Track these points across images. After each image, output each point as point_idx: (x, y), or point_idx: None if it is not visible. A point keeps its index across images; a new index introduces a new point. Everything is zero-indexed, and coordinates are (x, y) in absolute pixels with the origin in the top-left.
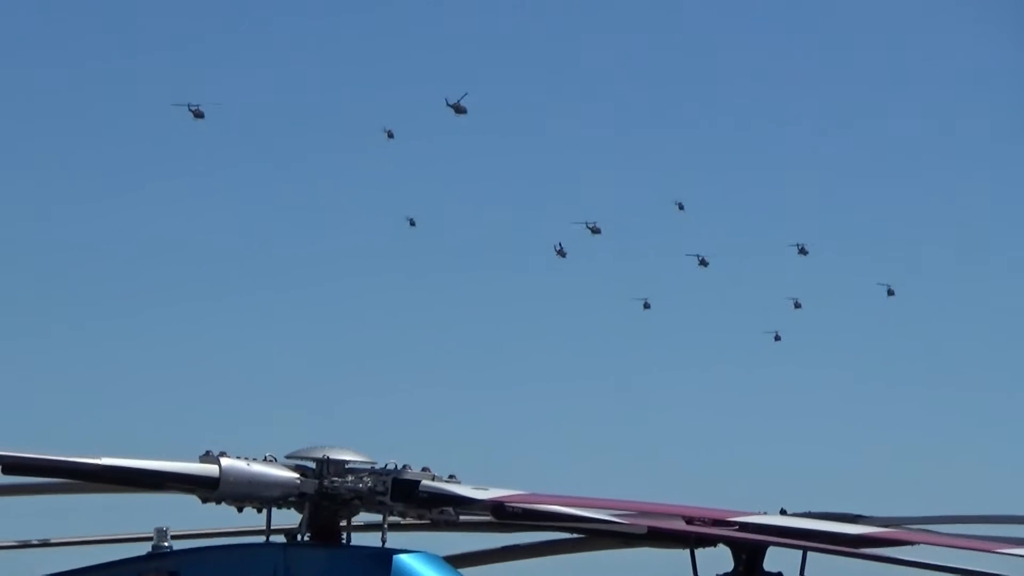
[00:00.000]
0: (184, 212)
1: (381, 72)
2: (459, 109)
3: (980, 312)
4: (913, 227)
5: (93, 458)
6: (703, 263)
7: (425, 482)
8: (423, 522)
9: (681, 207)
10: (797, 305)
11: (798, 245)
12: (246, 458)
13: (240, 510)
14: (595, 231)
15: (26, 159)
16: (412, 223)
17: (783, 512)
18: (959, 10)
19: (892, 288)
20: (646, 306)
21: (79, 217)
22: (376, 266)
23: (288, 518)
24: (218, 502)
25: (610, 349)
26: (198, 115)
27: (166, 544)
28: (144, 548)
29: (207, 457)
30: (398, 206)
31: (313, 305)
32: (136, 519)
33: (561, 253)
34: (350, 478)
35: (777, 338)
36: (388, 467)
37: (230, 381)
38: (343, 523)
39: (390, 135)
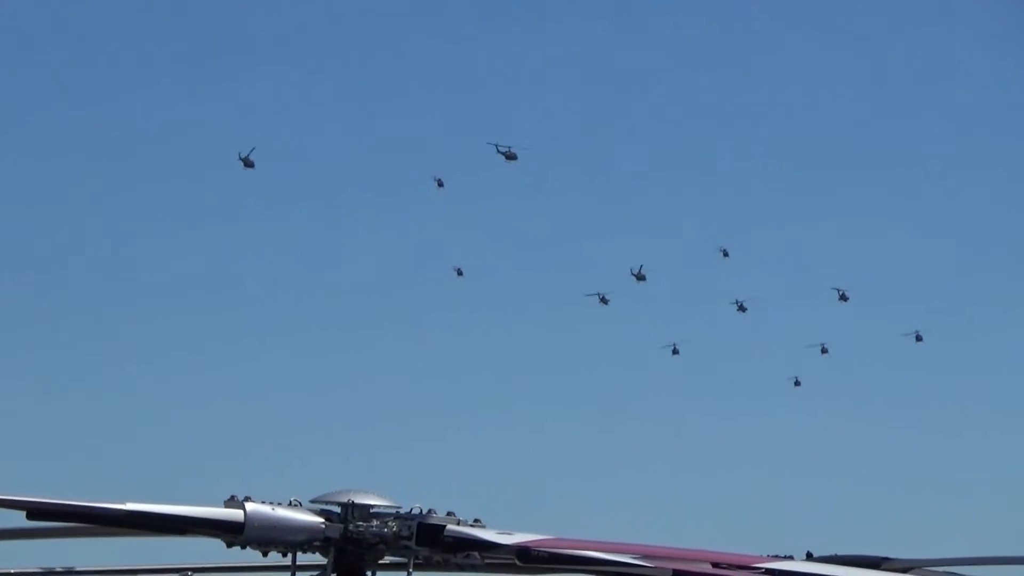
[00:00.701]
0: (216, 253)
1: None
2: (509, 156)
3: (1003, 357)
4: (942, 274)
5: (117, 503)
6: (741, 308)
7: (450, 527)
8: (448, 566)
9: (726, 254)
10: (824, 351)
11: (839, 291)
12: (271, 503)
13: (265, 554)
14: (640, 278)
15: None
16: (460, 273)
17: (809, 555)
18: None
19: (920, 334)
20: (675, 352)
21: (100, 259)
22: (407, 311)
23: (313, 559)
24: (243, 547)
25: (639, 394)
26: (248, 164)
27: None
28: None
29: (232, 502)
30: (435, 249)
31: (340, 350)
32: (162, 554)
33: (604, 300)
34: (375, 522)
35: (797, 383)
36: (413, 511)
37: (256, 426)
38: (369, 567)
39: (440, 184)
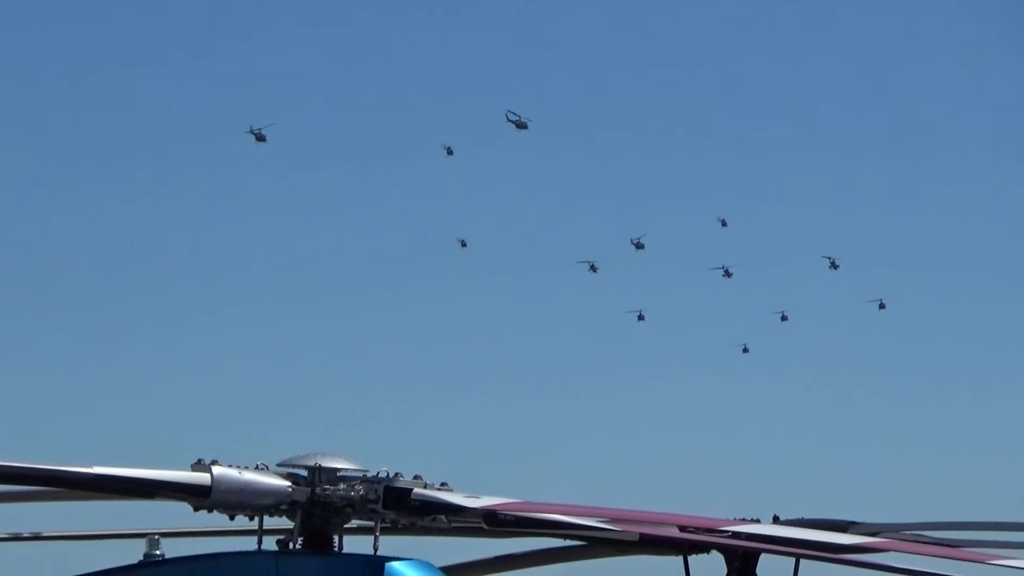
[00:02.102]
0: (189, 223)
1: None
2: (520, 124)
3: (973, 320)
4: (904, 246)
5: (84, 467)
6: (727, 274)
7: (417, 490)
8: (415, 529)
9: (724, 224)
10: (784, 318)
11: (829, 258)
12: (238, 466)
13: (232, 518)
14: (639, 247)
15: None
16: (463, 244)
17: (776, 519)
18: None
19: (884, 302)
20: (640, 318)
21: (72, 227)
22: (378, 277)
23: (280, 524)
24: (210, 510)
25: (608, 359)
26: (260, 139)
27: (157, 552)
28: (136, 546)
29: (199, 465)
30: (419, 217)
31: (308, 315)
32: (128, 519)
33: (593, 268)
34: (342, 486)
35: (745, 350)
36: (380, 475)
37: (223, 389)
38: (335, 530)
39: (449, 151)
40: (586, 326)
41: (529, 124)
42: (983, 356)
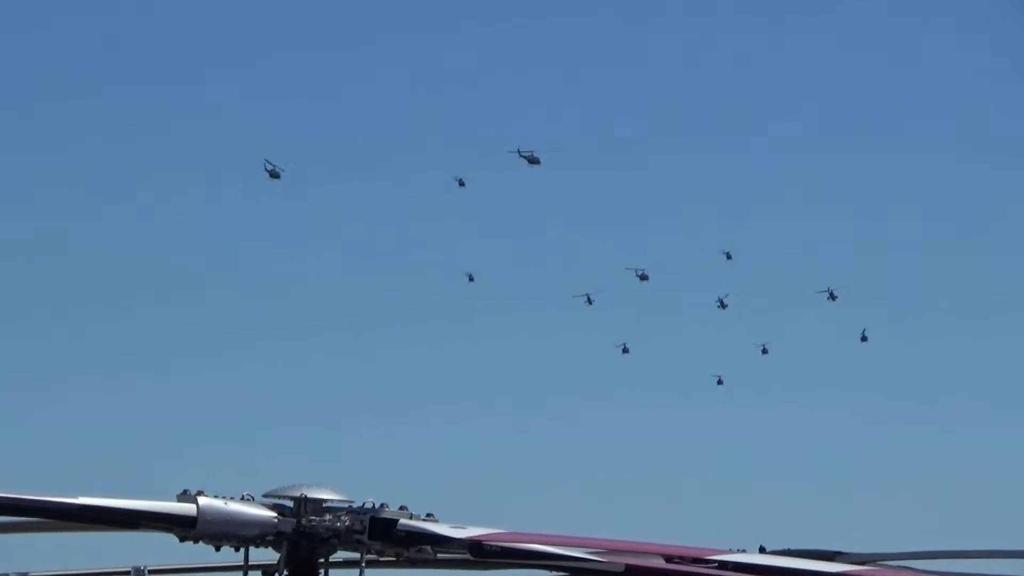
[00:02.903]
0: (175, 249)
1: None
2: (532, 160)
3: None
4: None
5: (70, 498)
6: (722, 305)
7: (403, 521)
8: (401, 560)
9: (729, 256)
10: (764, 351)
11: (828, 291)
12: (223, 497)
13: (218, 549)
14: (643, 278)
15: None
16: (471, 279)
17: (762, 549)
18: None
19: (866, 335)
20: (625, 351)
21: (46, 258)
22: (364, 308)
23: (266, 555)
24: (196, 541)
25: (592, 390)
26: (274, 176)
27: None
28: None
29: (184, 496)
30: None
31: (294, 345)
32: (115, 555)
33: (589, 301)
34: (328, 517)
35: (720, 382)
36: (366, 506)
37: (209, 419)
38: (321, 561)
39: (461, 183)
40: (575, 358)
41: (541, 159)
42: (966, 386)
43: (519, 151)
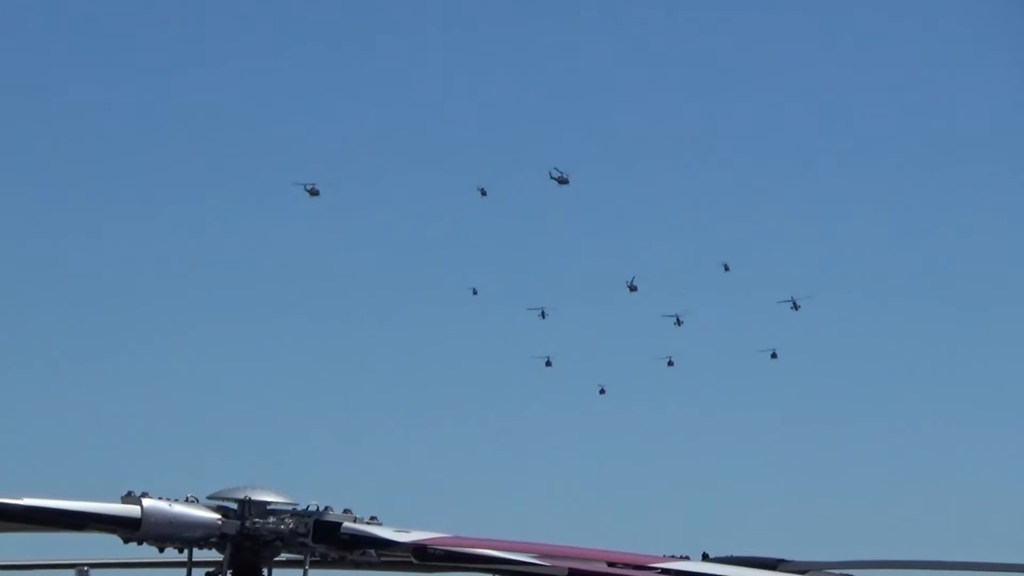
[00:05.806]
0: (153, 254)
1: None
2: (562, 180)
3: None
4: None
5: (14, 498)
6: (678, 322)
7: (347, 524)
8: (345, 564)
9: (727, 268)
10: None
11: (791, 300)
12: (168, 499)
13: (162, 550)
14: (632, 288)
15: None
16: (475, 292)
17: (705, 556)
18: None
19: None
20: (548, 364)
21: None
22: (312, 310)
23: (211, 554)
24: (140, 542)
25: (534, 396)
26: (313, 193)
27: None
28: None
29: (128, 498)
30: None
31: (238, 347)
32: (58, 550)
33: (543, 316)
34: (272, 519)
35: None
36: (310, 508)
37: (154, 420)
38: (265, 563)
39: (483, 193)
40: (515, 365)
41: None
42: (915, 389)
43: (550, 172)
